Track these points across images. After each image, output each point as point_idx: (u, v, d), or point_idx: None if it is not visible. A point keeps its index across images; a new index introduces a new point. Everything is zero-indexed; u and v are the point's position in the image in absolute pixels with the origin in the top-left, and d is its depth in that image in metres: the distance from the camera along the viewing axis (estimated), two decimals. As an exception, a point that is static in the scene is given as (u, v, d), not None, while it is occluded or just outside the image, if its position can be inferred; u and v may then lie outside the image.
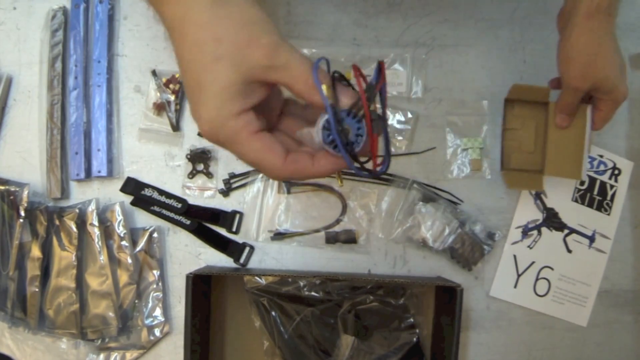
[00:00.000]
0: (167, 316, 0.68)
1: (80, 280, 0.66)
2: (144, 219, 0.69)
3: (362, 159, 0.37)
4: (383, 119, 0.37)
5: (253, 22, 0.34)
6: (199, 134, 0.68)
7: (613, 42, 0.54)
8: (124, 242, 0.66)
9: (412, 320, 0.65)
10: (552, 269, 0.70)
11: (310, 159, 0.37)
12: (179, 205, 0.67)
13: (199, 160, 0.68)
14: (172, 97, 0.68)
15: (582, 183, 0.70)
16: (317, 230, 0.68)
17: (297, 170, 0.37)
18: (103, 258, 0.65)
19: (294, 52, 0.35)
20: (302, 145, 0.40)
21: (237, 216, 0.69)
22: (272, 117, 0.40)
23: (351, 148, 0.36)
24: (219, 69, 0.34)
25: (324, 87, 0.35)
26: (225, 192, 0.69)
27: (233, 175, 0.69)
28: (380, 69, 0.37)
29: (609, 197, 0.71)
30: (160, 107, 0.68)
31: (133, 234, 0.67)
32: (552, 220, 0.70)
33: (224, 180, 0.69)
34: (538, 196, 0.70)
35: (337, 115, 0.35)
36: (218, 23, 0.34)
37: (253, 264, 0.69)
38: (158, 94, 0.68)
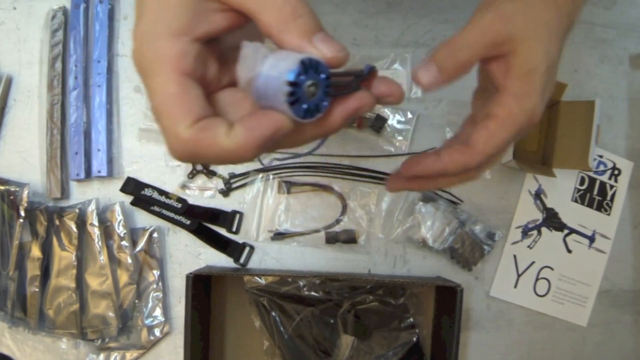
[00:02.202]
0: (167, 316, 0.68)
1: (80, 280, 0.65)
2: (144, 219, 0.69)
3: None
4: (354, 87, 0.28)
5: None
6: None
7: (564, 36, 0.37)
8: (124, 242, 0.66)
9: (411, 320, 0.65)
10: (552, 269, 0.70)
11: (228, 129, 0.25)
12: (179, 205, 0.67)
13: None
14: (172, 97, 0.68)
15: (582, 183, 0.70)
16: (317, 230, 0.68)
17: (202, 141, 0.25)
18: (103, 258, 0.65)
19: None
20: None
21: (237, 216, 0.69)
22: (221, 75, 0.29)
23: (309, 114, 0.26)
24: None
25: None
26: (225, 192, 0.69)
27: (233, 175, 0.69)
28: (371, 71, 0.29)
29: (608, 197, 0.71)
30: (160, 107, 0.68)
31: (133, 234, 0.67)
32: (552, 220, 0.70)
33: (224, 180, 0.69)
34: (538, 196, 0.70)
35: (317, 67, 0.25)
36: None
37: (253, 264, 0.69)
38: (158, 94, 0.68)
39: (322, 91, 0.25)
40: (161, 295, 0.67)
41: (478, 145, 0.34)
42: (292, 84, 0.24)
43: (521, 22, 0.34)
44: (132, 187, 0.68)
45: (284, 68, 0.24)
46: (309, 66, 0.24)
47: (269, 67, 0.25)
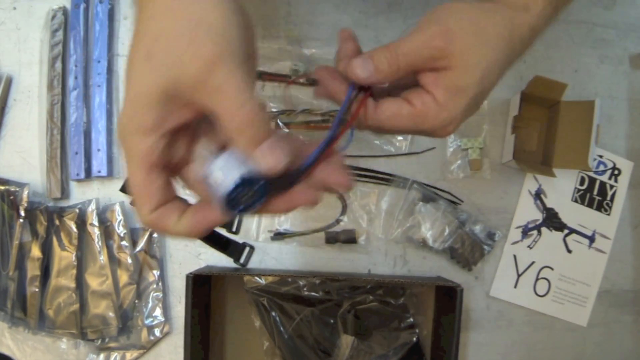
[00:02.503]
0: (167, 316, 0.68)
1: (80, 280, 0.65)
2: (144, 219, 0.69)
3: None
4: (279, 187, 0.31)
5: (207, 24, 0.28)
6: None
7: (515, 55, 0.38)
8: (124, 242, 0.66)
9: (411, 320, 0.65)
10: (552, 269, 0.70)
11: (178, 218, 0.31)
12: (179, 205, 0.67)
13: (199, 160, 0.68)
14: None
15: (582, 183, 0.70)
16: (317, 230, 0.68)
17: (160, 226, 0.31)
18: (103, 258, 0.65)
19: (236, 76, 0.28)
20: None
21: (237, 216, 0.69)
22: (185, 154, 0.33)
23: (244, 211, 0.30)
24: (144, 70, 0.28)
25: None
26: (225, 192, 0.69)
27: (233, 175, 0.69)
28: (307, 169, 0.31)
29: (608, 197, 0.71)
30: (160, 107, 0.68)
31: (133, 234, 0.67)
32: (552, 220, 0.70)
33: (224, 180, 0.69)
34: (538, 196, 0.70)
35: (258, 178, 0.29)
36: (167, 17, 0.28)
37: (253, 264, 0.69)
38: (158, 94, 0.68)
39: (258, 194, 0.29)
40: (161, 295, 0.67)
41: (381, 117, 0.36)
42: (230, 193, 0.29)
43: (464, 44, 0.34)
44: (132, 187, 0.68)
45: (225, 179, 0.29)
46: (247, 181, 0.28)
47: (216, 170, 0.29)
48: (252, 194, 0.29)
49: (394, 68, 0.36)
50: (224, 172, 0.29)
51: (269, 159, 0.29)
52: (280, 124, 0.67)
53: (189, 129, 0.32)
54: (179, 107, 0.29)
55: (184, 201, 0.32)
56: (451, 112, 0.36)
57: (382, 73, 0.36)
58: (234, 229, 0.69)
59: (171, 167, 0.32)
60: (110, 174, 0.68)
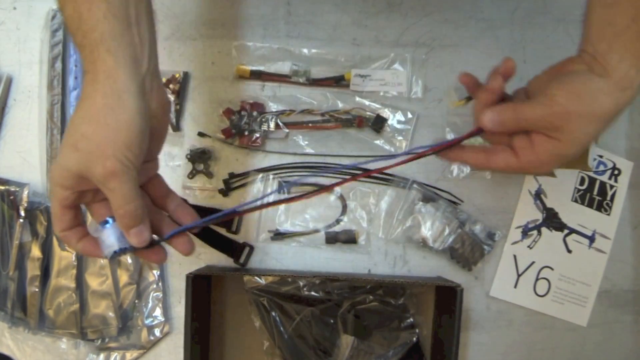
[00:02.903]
0: (167, 316, 0.68)
1: (80, 280, 0.66)
2: (144, 219, 0.69)
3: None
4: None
5: (116, 145, 0.40)
6: (199, 134, 0.69)
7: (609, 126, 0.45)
8: (124, 242, 0.66)
9: (411, 320, 0.65)
10: (552, 269, 0.70)
11: (77, 241, 0.45)
12: (179, 205, 0.67)
13: (199, 160, 0.68)
14: (172, 97, 0.68)
15: (582, 183, 0.70)
16: (317, 230, 0.68)
17: (65, 241, 0.45)
18: (103, 258, 0.65)
19: (126, 186, 0.41)
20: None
21: (237, 216, 0.69)
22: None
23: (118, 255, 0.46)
24: (69, 156, 0.41)
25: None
26: (225, 192, 0.69)
27: (233, 175, 0.69)
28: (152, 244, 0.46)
29: (608, 197, 0.71)
30: (160, 107, 0.68)
31: (133, 234, 0.67)
32: (552, 220, 0.70)
33: (224, 180, 0.69)
34: (538, 196, 0.70)
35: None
36: (94, 125, 0.40)
37: (253, 264, 0.69)
38: (158, 94, 0.68)
39: (128, 251, 0.45)
40: (161, 295, 0.67)
41: (493, 165, 0.49)
42: (109, 255, 0.45)
43: (577, 126, 0.44)
44: (132, 187, 0.68)
45: (107, 243, 0.44)
46: (121, 250, 0.44)
47: (103, 236, 0.44)
48: (123, 253, 0.45)
49: (513, 126, 0.46)
50: (107, 239, 0.44)
51: (135, 240, 0.43)
52: (281, 123, 0.67)
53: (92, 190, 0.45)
54: (86, 183, 0.42)
55: (85, 229, 0.46)
56: (547, 168, 0.47)
57: (503, 127, 0.46)
58: (234, 229, 0.69)
59: (82, 201, 0.45)
60: (110, 174, 0.68)
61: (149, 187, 0.48)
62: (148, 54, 0.43)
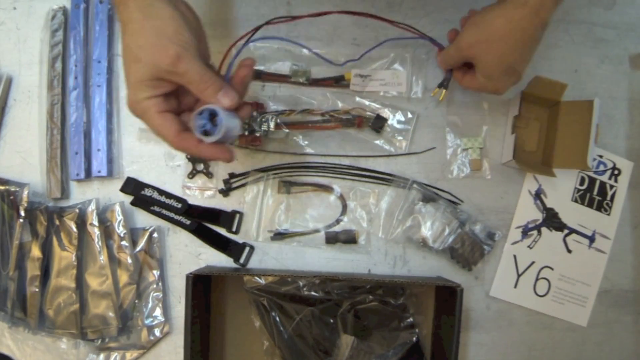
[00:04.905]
0: (167, 316, 0.68)
1: (80, 280, 0.66)
2: (144, 219, 0.69)
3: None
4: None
5: (168, 35, 0.46)
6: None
7: (527, 40, 0.54)
8: (124, 242, 0.66)
9: (411, 320, 0.65)
10: (552, 269, 0.70)
11: (196, 141, 0.49)
12: (179, 205, 0.67)
13: (199, 160, 0.68)
14: (172, 97, 0.68)
15: (582, 183, 0.71)
16: (317, 230, 0.68)
17: (185, 146, 0.49)
18: (103, 258, 0.65)
19: (194, 63, 0.47)
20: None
21: (237, 216, 0.69)
22: (185, 103, 0.52)
23: (207, 134, 0.49)
24: (137, 67, 0.47)
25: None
26: (225, 192, 0.69)
27: (233, 175, 0.69)
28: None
29: (608, 197, 0.71)
30: (160, 107, 0.68)
31: (133, 234, 0.67)
32: (552, 220, 0.70)
33: (224, 180, 0.69)
34: (538, 196, 0.70)
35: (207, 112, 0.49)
36: (142, 33, 0.46)
37: (253, 264, 0.69)
38: (158, 94, 0.68)
39: (216, 124, 0.49)
40: (161, 295, 0.67)
41: (464, 84, 0.63)
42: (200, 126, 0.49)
43: (477, 52, 0.57)
44: (132, 187, 0.68)
45: (198, 120, 0.49)
46: (212, 113, 0.49)
47: (197, 121, 0.49)
48: (212, 126, 0.49)
49: (451, 63, 0.63)
50: (199, 122, 0.49)
51: (227, 100, 0.49)
52: (281, 123, 0.67)
53: (175, 92, 0.50)
54: (163, 83, 0.47)
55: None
56: (494, 83, 0.59)
57: (446, 65, 0.65)
58: (234, 229, 0.69)
59: (175, 111, 0.50)
60: (110, 174, 0.68)
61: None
62: None
